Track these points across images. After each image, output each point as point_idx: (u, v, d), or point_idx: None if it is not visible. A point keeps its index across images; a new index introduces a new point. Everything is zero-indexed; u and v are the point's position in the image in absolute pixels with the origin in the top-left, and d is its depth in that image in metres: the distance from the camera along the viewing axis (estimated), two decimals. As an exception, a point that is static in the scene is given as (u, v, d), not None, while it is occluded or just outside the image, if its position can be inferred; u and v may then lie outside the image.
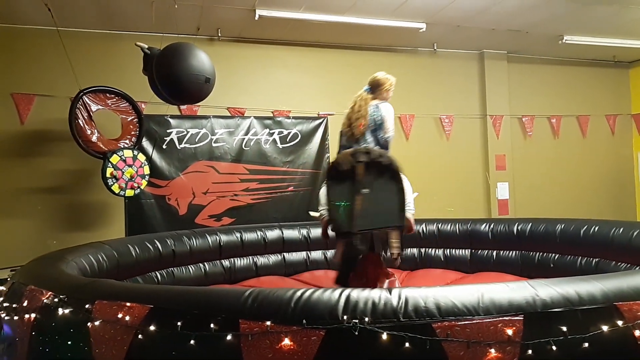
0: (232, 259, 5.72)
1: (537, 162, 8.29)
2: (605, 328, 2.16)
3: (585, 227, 4.93)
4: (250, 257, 5.85)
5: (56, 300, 2.57)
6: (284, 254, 6.02)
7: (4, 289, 3.24)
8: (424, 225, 6.03)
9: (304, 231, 6.08)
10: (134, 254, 4.64)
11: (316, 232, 6.06)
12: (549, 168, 8.36)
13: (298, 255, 6.04)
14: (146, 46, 5.06)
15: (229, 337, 2.13)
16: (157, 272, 5.03)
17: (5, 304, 2.97)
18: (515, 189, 8.03)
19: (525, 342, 2.12)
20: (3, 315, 2.97)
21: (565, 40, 7.24)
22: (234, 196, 6.79)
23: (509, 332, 2.12)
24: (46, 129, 6.07)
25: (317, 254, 6.08)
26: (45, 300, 2.63)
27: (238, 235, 5.75)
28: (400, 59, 7.66)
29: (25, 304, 2.77)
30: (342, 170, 3.67)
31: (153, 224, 6.34)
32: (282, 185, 7.01)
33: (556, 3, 6.04)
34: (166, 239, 5.12)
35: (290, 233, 6.03)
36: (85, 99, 5.57)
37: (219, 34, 6.66)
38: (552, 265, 5.23)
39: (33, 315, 2.63)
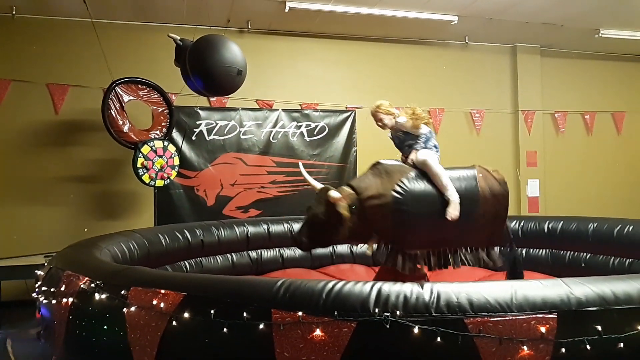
0: (259, 251, 5.76)
1: (569, 159, 8.12)
2: (641, 329, 2.12)
3: (619, 227, 4.82)
4: (277, 249, 5.88)
5: (93, 285, 2.64)
6: (311, 246, 6.02)
7: (42, 273, 3.34)
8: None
9: (331, 224, 6.08)
10: (164, 243, 4.71)
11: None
12: (582, 165, 8.18)
13: (324, 249, 6.04)
14: (179, 38, 5.10)
15: (261, 326, 2.16)
16: (185, 262, 5.10)
17: (43, 288, 3.06)
18: (546, 186, 7.89)
19: (559, 341, 2.09)
20: (41, 299, 3.06)
21: (602, 34, 7.05)
22: (261, 188, 6.84)
23: (542, 329, 2.10)
24: (79, 119, 6.21)
25: (342, 248, 6.06)
26: (82, 286, 2.71)
27: (265, 227, 5.79)
28: (431, 52, 7.58)
29: (62, 288, 2.85)
30: None
31: (181, 214, 6.44)
32: (309, 178, 7.01)
33: (593, -5, 5.91)
34: (195, 229, 5.18)
35: (317, 226, 6.04)
36: (118, 89, 5.67)
37: (249, 26, 6.69)
38: (583, 265, 5.13)
39: (70, 299, 2.71)
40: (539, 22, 6.80)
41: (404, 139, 4.25)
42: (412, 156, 4.09)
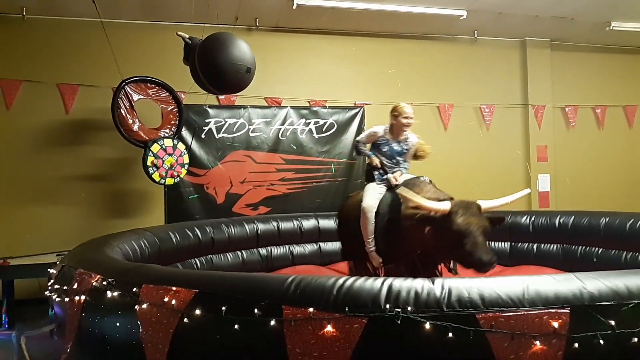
0: (269, 248, 5.79)
1: (580, 153, 8.04)
2: (656, 323, 2.09)
3: (631, 221, 4.77)
4: (287, 246, 5.91)
5: (105, 283, 2.66)
6: (320, 243, 6.05)
7: (54, 271, 3.36)
8: (462, 217, 5.93)
9: (340, 221, 6.08)
10: (174, 240, 4.74)
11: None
12: (593, 160, 8.09)
13: (334, 245, 6.04)
14: (187, 36, 5.13)
15: (272, 323, 2.16)
16: (196, 259, 5.13)
17: (56, 286, 3.09)
18: (556, 181, 7.82)
19: (572, 335, 2.07)
20: (54, 297, 3.09)
21: (613, 26, 6.96)
22: (270, 185, 6.85)
23: (555, 324, 2.08)
24: (90, 118, 6.25)
25: (353, 244, 6.07)
26: (94, 283, 2.73)
27: (275, 224, 5.81)
28: (440, 47, 7.53)
29: (75, 286, 2.87)
30: None
31: (191, 212, 6.46)
32: (317, 175, 7.02)
33: (604, -12, 5.85)
34: (205, 227, 5.22)
35: (327, 223, 6.05)
36: (127, 88, 5.70)
37: (257, 24, 6.69)
38: (595, 260, 5.08)
39: (83, 297, 2.73)
40: (549, 16, 6.74)
41: (396, 152, 4.29)
42: (398, 174, 4.18)
